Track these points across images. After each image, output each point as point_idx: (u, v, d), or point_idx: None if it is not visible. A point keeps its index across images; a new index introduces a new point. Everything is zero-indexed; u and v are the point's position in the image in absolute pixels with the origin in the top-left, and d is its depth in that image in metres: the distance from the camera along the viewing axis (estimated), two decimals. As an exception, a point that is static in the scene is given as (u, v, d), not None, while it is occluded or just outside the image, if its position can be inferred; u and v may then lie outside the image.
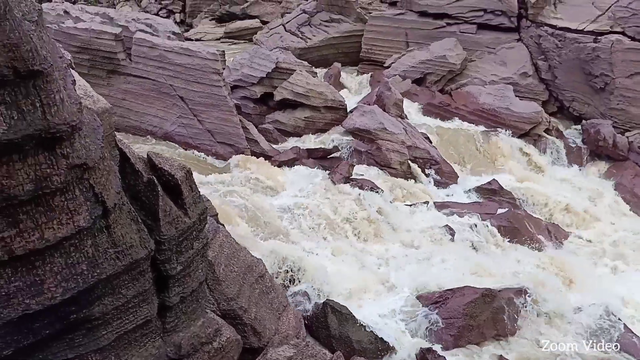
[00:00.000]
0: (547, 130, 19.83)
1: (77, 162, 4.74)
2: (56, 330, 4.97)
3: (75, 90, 5.06)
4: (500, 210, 14.89)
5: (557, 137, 19.85)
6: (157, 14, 35.05)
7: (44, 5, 18.14)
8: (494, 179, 16.61)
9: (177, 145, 16.38)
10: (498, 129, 19.44)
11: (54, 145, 4.55)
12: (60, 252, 4.81)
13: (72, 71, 5.93)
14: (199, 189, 6.62)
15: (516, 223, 14.33)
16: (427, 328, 10.31)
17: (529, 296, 11.38)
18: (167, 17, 36.20)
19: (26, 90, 4.29)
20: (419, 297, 11.16)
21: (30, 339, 4.79)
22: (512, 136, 19.32)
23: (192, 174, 6.38)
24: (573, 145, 19.79)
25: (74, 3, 32.45)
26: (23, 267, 4.63)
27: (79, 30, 16.49)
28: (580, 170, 19.32)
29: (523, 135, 19.49)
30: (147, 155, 6.25)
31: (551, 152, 19.46)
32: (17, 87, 4.24)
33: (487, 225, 14.13)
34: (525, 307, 11.31)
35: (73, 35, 16.50)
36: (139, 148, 14.55)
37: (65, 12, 17.63)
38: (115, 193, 5.30)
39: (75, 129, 4.67)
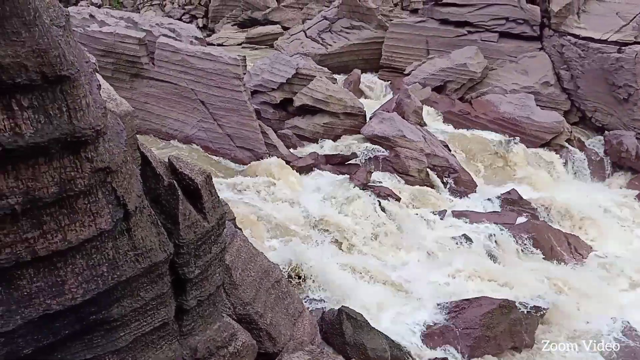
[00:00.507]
0: (568, 141, 19.58)
1: (101, 166, 4.81)
2: (75, 330, 5.04)
3: (100, 94, 5.14)
4: (519, 220, 14.74)
5: (578, 148, 19.58)
6: (180, 19, 35.46)
7: (70, 9, 18.47)
8: (513, 189, 16.44)
9: (198, 149, 16.52)
10: (518, 138, 19.25)
11: (79, 149, 4.63)
12: (82, 253, 4.88)
13: (97, 75, 6.04)
14: (218, 193, 6.67)
15: (535, 234, 14.17)
16: (443, 337, 10.24)
17: (547, 308, 11.25)
18: (190, 22, 36.60)
19: (53, 95, 4.37)
20: (435, 306, 11.10)
21: (50, 338, 4.86)
22: (532, 146, 19.12)
23: (212, 178, 6.43)
24: (595, 156, 19.52)
25: (99, 7, 32.99)
26: (45, 267, 4.70)
27: (104, 34, 16.78)
28: (601, 181, 19.05)
29: (544, 145, 19.28)
30: (168, 159, 6.32)
31: (572, 163, 19.20)
32: (44, 91, 4.32)
33: (506, 236, 14.00)
34: (544, 319, 11.19)
35: (98, 39, 16.79)
36: (159, 148, 14.74)
37: (91, 15, 17.95)
38: (137, 196, 5.37)
39: (99, 133, 4.74)
